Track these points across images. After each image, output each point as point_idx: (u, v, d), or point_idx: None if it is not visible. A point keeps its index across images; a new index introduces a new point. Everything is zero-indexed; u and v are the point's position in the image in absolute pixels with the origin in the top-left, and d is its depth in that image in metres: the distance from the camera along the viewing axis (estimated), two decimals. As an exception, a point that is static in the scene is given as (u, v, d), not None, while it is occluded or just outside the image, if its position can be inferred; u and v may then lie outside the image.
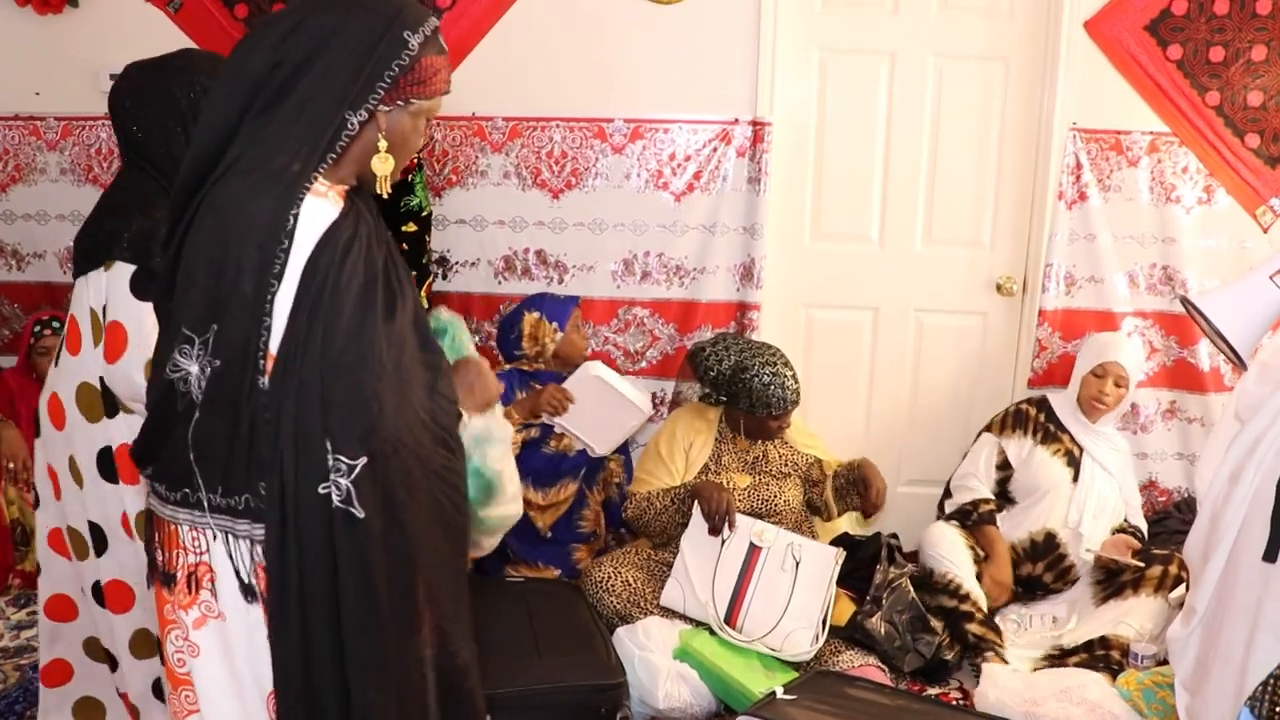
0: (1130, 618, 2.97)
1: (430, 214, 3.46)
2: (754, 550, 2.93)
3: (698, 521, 2.97)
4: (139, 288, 1.93)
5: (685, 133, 3.56)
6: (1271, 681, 1.37)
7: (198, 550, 1.44)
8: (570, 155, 3.58)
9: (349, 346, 1.36)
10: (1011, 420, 3.42)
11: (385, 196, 1.51)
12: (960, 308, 3.80)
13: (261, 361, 1.35)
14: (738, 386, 3.08)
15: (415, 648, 1.47)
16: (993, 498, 3.32)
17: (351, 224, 1.42)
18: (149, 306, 1.79)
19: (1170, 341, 3.70)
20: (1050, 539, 3.22)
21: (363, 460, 1.36)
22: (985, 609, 3.04)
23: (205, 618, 1.46)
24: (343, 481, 1.36)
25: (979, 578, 3.14)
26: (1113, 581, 3.11)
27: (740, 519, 2.96)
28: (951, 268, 3.76)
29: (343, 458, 1.36)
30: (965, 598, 3.03)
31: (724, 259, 3.61)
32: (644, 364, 3.68)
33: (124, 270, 1.95)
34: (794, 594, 2.87)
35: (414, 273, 3.36)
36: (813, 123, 3.69)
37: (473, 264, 3.67)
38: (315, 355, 1.35)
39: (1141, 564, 3.08)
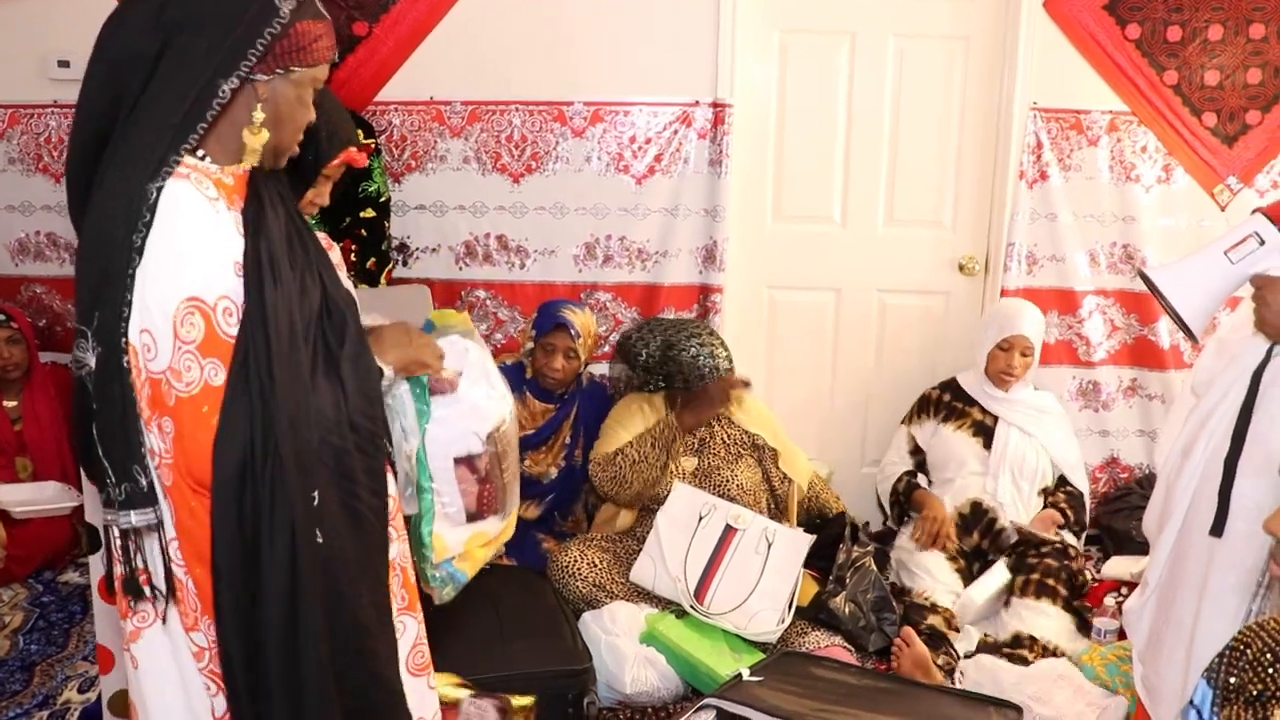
0: (1040, 620, 2.97)
1: (389, 199, 3.42)
2: (729, 531, 2.95)
3: (675, 499, 2.99)
4: None
5: (645, 115, 3.54)
6: (1227, 653, 1.38)
7: (128, 555, 1.41)
8: (530, 139, 3.55)
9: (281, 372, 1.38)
10: (917, 409, 3.53)
11: (267, 170, 1.49)
12: (923, 288, 3.81)
13: (124, 341, 1.33)
14: (670, 366, 3.10)
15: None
16: (909, 468, 3.43)
17: (266, 243, 1.42)
18: None
19: (1131, 319, 3.73)
20: (977, 507, 3.24)
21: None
22: (954, 616, 3.04)
23: (139, 630, 1.43)
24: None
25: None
26: (1023, 564, 3.10)
27: (719, 502, 2.99)
28: (914, 248, 3.77)
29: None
30: (935, 607, 3.04)
31: (686, 242, 3.60)
32: (606, 348, 3.66)
33: None
34: (763, 575, 2.89)
35: (373, 259, 3.33)
36: (773, 104, 3.68)
37: (433, 250, 3.63)
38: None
39: (1058, 540, 3.12)
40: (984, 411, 3.35)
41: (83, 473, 1.49)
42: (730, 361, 3.12)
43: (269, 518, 1.36)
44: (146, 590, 1.41)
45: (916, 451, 3.49)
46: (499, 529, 1.87)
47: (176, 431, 1.35)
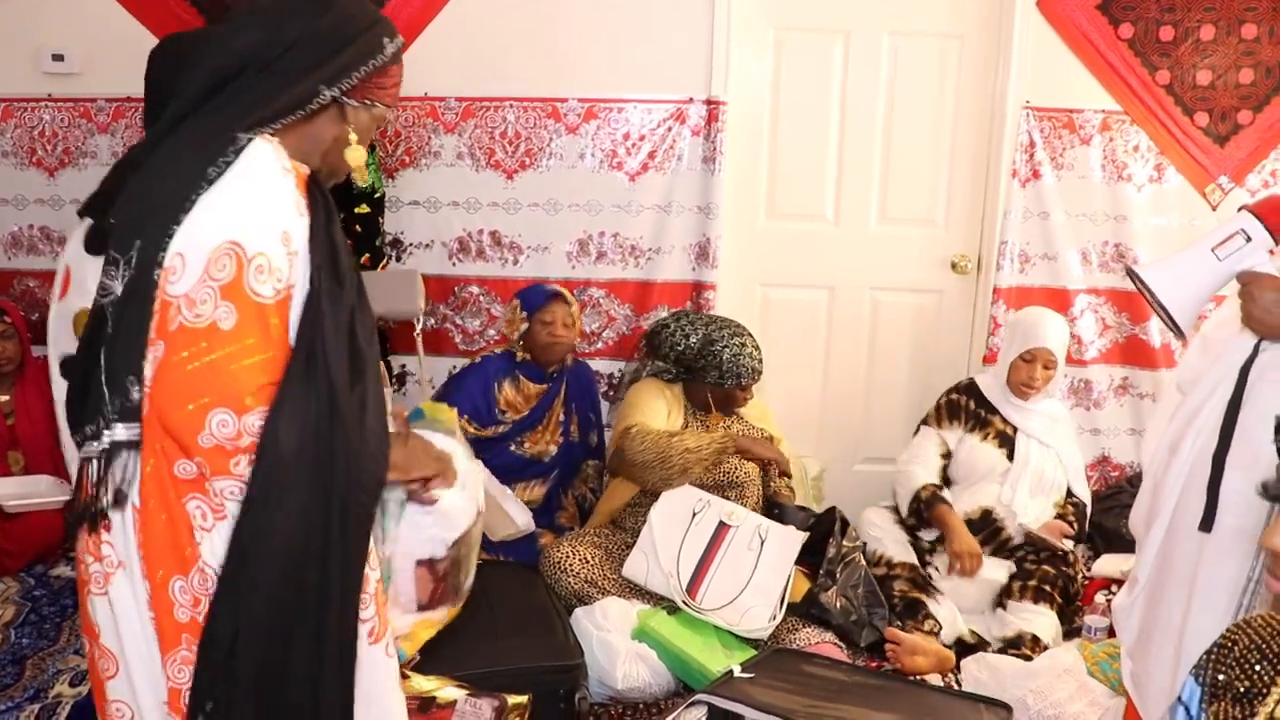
0: (1036, 619, 3.00)
1: (383, 195, 3.42)
2: (723, 528, 2.95)
3: (671, 495, 2.99)
4: (90, 243, 1.91)
5: (640, 112, 3.54)
6: (1215, 650, 1.38)
7: (101, 480, 1.41)
8: (524, 135, 3.55)
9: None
10: (947, 412, 3.40)
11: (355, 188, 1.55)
12: (915, 286, 3.82)
13: (162, 255, 1.35)
14: (707, 359, 3.17)
15: None
16: (934, 480, 3.29)
17: (335, 230, 1.47)
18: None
19: (1122, 318, 3.74)
20: (986, 515, 3.22)
21: None
22: (914, 569, 3.11)
23: (109, 575, 1.43)
24: None
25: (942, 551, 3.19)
26: (1022, 569, 3.13)
27: (713, 499, 3.00)
28: (906, 246, 3.78)
29: None
30: (891, 564, 3.10)
31: (679, 239, 3.60)
32: (600, 345, 3.67)
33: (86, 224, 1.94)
34: (756, 572, 2.89)
35: (367, 254, 3.34)
36: (767, 102, 3.69)
37: (426, 245, 3.64)
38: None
39: (1068, 549, 3.13)
40: (1005, 421, 3.31)
41: (69, 426, 1.47)
42: (762, 365, 3.21)
43: (340, 503, 1.38)
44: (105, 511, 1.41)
45: (947, 455, 3.37)
46: (445, 614, 1.94)
47: (164, 359, 1.34)
